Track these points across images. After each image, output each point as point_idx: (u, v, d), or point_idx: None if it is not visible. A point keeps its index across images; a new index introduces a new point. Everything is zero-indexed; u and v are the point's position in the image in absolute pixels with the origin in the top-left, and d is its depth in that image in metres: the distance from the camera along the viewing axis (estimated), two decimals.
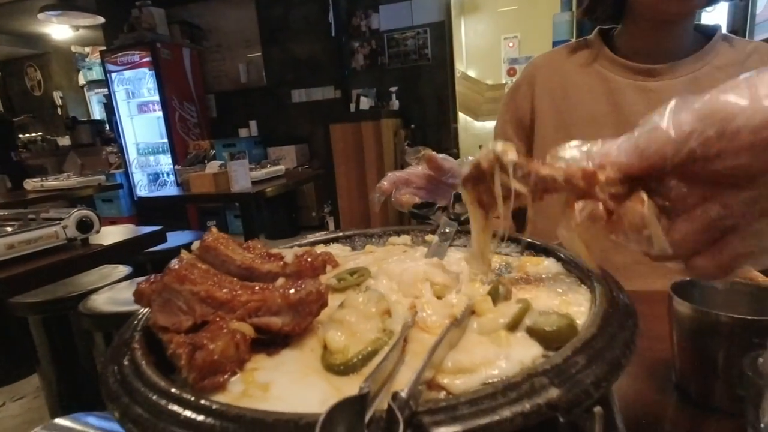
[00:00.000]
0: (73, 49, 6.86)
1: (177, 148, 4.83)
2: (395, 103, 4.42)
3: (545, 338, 0.31)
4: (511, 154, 0.35)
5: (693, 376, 0.48)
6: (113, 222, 4.27)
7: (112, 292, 1.72)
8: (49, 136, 6.00)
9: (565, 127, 0.97)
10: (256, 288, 0.34)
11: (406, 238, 0.58)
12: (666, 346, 0.52)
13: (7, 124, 4.53)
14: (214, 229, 0.42)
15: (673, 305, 0.47)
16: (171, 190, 4.34)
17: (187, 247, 0.41)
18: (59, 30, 6.25)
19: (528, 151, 1.03)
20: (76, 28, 5.68)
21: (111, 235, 1.52)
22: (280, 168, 3.21)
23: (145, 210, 4.98)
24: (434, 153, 0.74)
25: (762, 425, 0.39)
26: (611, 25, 0.98)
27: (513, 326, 0.32)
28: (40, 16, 3.84)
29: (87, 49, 6.79)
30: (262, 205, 2.98)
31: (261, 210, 2.96)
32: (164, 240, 1.65)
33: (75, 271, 1.52)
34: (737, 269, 0.27)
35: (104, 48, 5.15)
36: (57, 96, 7.23)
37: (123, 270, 1.98)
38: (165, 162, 5.12)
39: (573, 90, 0.97)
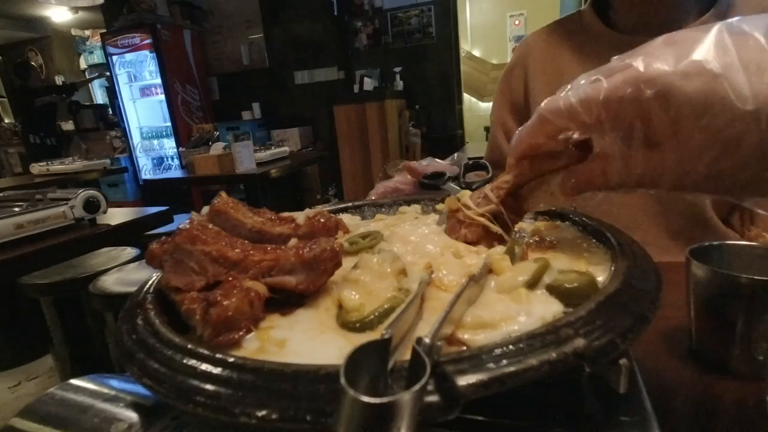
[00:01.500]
0: (74, 32, 6.79)
1: (180, 132, 4.80)
2: (399, 84, 4.35)
3: (566, 295, 0.30)
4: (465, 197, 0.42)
5: (710, 341, 0.47)
6: (119, 206, 4.27)
7: (121, 273, 1.73)
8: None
9: None
10: (269, 248, 0.33)
11: (416, 207, 0.57)
12: (681, 314, 0.51)
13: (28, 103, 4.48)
14: (223, 194, 0.41)
15: (692, 269, 0.46)
16: (176, 173, 4.34)
17: None
18: (58, 12, 6.17)
19: None
20: (76, 10, 5.61)
21: (118, 215, 1.52)
22: (285, 150, 3.19)
23: (150, 194, 4.99)
24: (413, 162, 0.73)
25: None
26: None
27: (532, 284, 0.32)
28: None
29: (87, 32, 6.72)
30: (266, 187, 2.98)
31: (266, 192, 2.95)
32: (171, 221, 1.65)
33: (83, 251, 1.53)
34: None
35: (104, 31, 5.09)
36: (59, 80, 7.19)
37: (131, 252, 2.00)
38: (169, 146, 5.11)
39: (567, 70, 0.91)
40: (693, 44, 0.28)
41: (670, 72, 0.28)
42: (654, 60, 0.28)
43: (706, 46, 0.27)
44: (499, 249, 0.35)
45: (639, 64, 0.29)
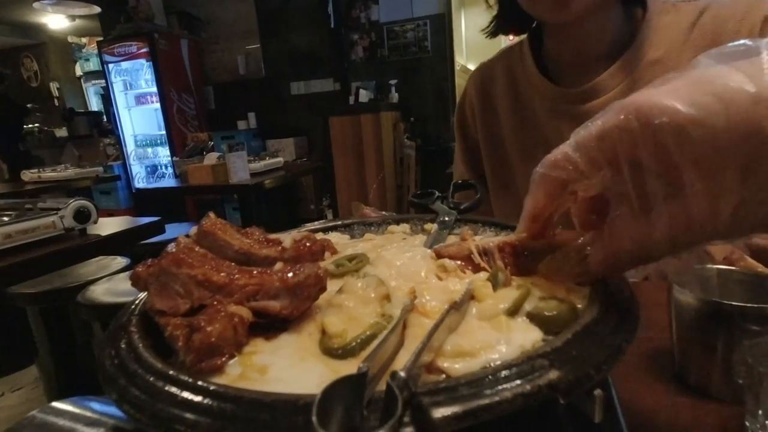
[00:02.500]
0: (70, 39, 6.80)
1: (175, 140, 4.81)
2: (395, 96, 4.40)
3: (546, 323, 0.31)
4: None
5: (692, 365, 0.48)
6: (111, 214, 4.25)
7: (111, 283, 1.71)
8: (46, 128, 5.97)
9: (500, 165, 0.91)
10: (254, 272, 0.33)
11: (405, 227, 0.58)
12: (664, 335, 0.52)
13: (20, 112, 4.51)
14: (211, 215, 0.41)
15: (674, 294, 0.47)
16: (169, 182, 4.32)
17: None
18: (55, 20, 6.19)
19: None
20: (73, 17, 5.63)
21: (109, 225, 1.52)
22: (279, 160, 3.20)
23: (142, 202, 4.97)
24: (371, 212, 0.72)
25: (760, 413, 0.39)
26: (525, 31, 0.88)
27: (513, 311, 0.32)
28: (36, 5, 3.81)
29: (84, 40, 6.74)
30: (260, 197, 2.98)
31: (260, 202, 2.96)
32: (163, 231, 1.64)
33: (72, 261, 1.52)
34: None
35: (101, 38, 5.11)
36: (54, 87, 7.18)
37: (121, 261, 1.98)
38: (163, 154, 5.11)
39: (501, 113, 0.90)
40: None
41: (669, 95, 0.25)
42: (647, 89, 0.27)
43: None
44: (482, 275, 0.36)
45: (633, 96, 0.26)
